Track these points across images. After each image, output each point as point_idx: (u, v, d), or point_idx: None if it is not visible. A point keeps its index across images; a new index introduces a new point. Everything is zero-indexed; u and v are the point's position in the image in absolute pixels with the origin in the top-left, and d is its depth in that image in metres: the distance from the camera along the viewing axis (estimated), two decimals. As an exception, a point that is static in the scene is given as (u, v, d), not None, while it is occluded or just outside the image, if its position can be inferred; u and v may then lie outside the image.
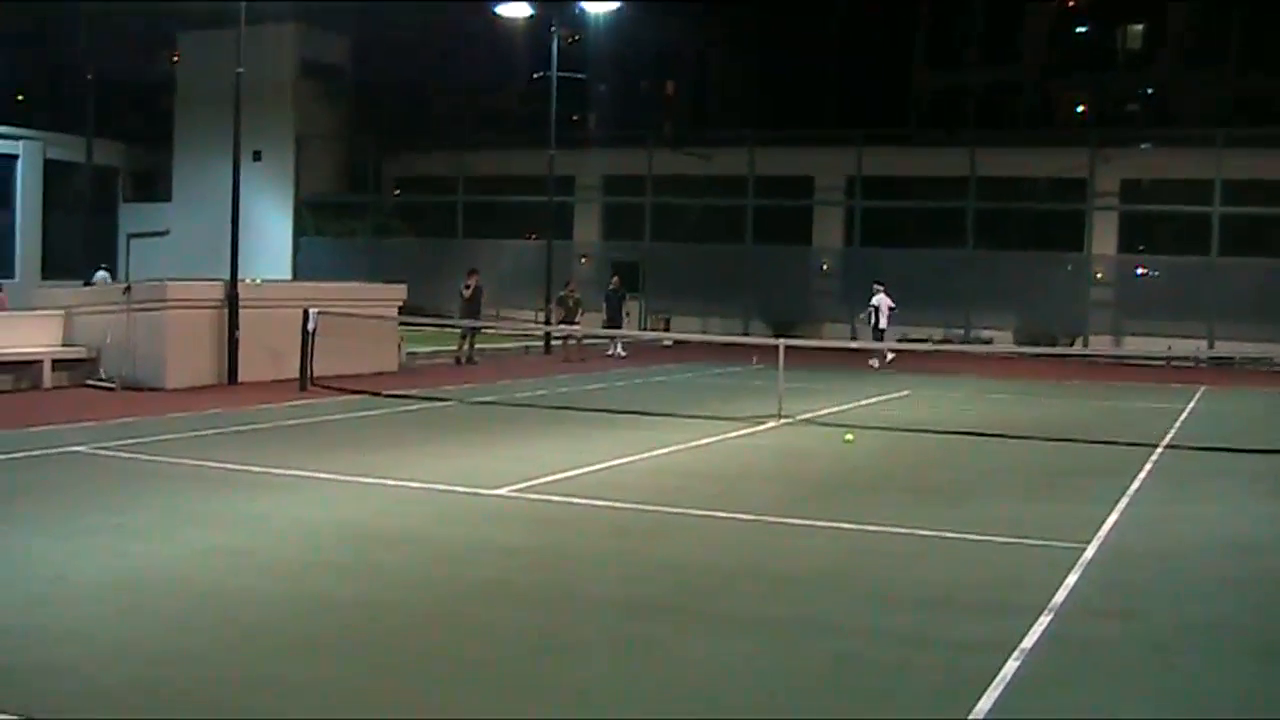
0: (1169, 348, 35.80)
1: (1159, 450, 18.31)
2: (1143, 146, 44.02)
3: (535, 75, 41.18)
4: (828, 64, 52.61)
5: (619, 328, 35.51)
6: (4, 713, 6.61)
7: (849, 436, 18.63)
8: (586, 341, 35.71)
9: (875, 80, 52.05)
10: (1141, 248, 43.22)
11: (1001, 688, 7.40)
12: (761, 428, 19.99)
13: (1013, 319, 41.70)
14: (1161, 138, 44.02)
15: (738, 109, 52.55)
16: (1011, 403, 25.66)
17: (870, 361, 33.43)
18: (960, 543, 11.64)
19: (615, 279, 37.77)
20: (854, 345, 34.23)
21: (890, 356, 33.36)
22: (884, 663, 8.03)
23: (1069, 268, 42.86)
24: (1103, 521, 12.56)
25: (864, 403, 24.14)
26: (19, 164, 50.92)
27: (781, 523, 12.34)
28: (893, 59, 53.15)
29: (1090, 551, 11.17)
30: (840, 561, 10.97)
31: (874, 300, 34.44)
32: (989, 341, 39.88)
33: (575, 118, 52.37)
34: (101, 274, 37.08)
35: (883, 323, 34.40)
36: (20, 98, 54.03)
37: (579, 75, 43.53)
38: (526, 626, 8.73)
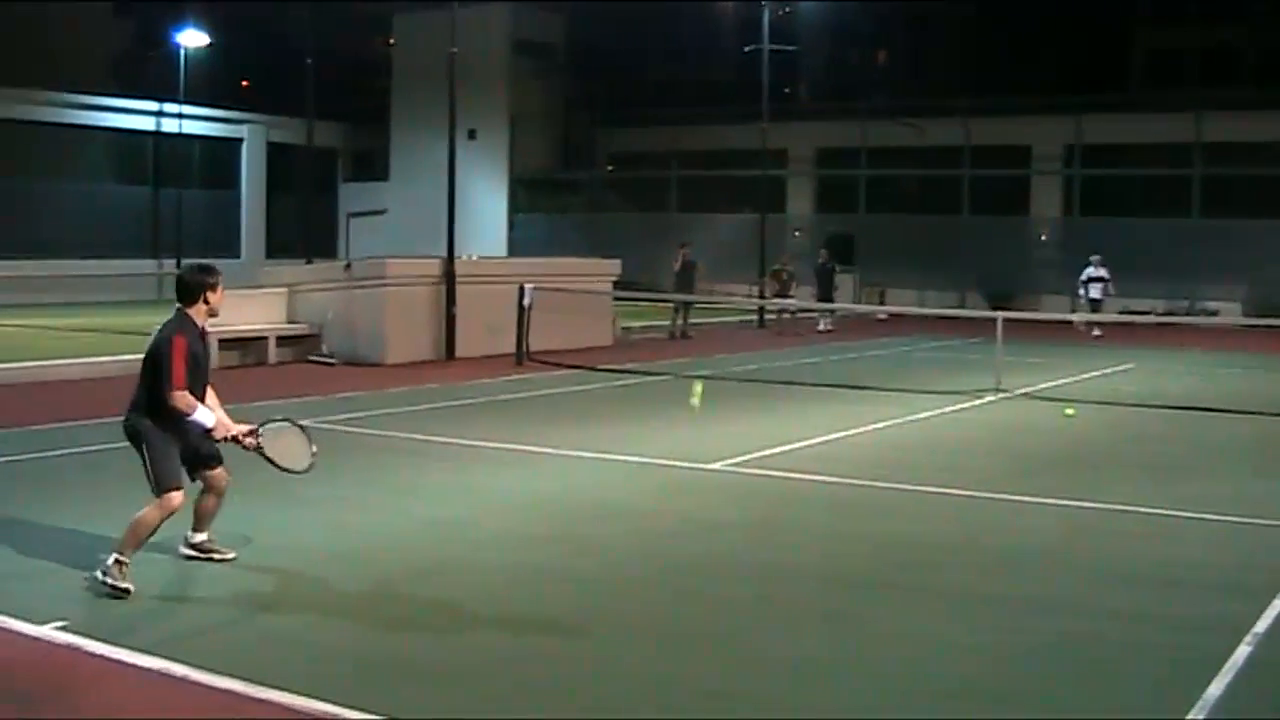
0: None
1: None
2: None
3: (746, 49, 40.93)
4: (1043, 26, 51.32)
5: (829, 301, 35.22)
6: (231, 676, 6.79)
7: (1070, 411, 18.23)
8: (800, 316, 35.50)
9: (1092, 41, 50.63)
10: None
11: (1233, 673, 7.14)
12: (979, 402, 19.66)
13: (1241, 290, 40.33)
14: None
15: (952, 77, 51.65)
16: (1239, 377, 24.83)
17: (1094, 332, 32.85)
18: (1187, 521, 11.30)
19: (824, 252, 37.47)
20: (1074, 318, 33.38)
21: (1096, 331, 32.96)
22: (1110, 642, 7.81)
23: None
24: (1341, 500, 12.09)
25: (1084, 377, 23.59)
26: (243, 147, 52.38)
27: (1002, 499, 12.11)
28: (1110, 17, 51.58)
29: (1327, 531, 10.76)
30: (1062, 538, 10.72)
31: (1086, 272, 34.20)
32: (1215, 314, 38.65)
33: (787, 90, 51.99)
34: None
35: (1094, 293, 34.09)
36: (244, 83, 55.50)
37: (790, 48, 43.16)
38: (743, 600, 8.71)
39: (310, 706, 6.45)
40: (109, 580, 8.22)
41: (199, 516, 9.19)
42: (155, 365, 8.54)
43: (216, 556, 9.17)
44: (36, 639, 7.43)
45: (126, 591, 8.21)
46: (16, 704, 6.60)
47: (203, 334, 8.87)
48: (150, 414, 8.62)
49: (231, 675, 6.82)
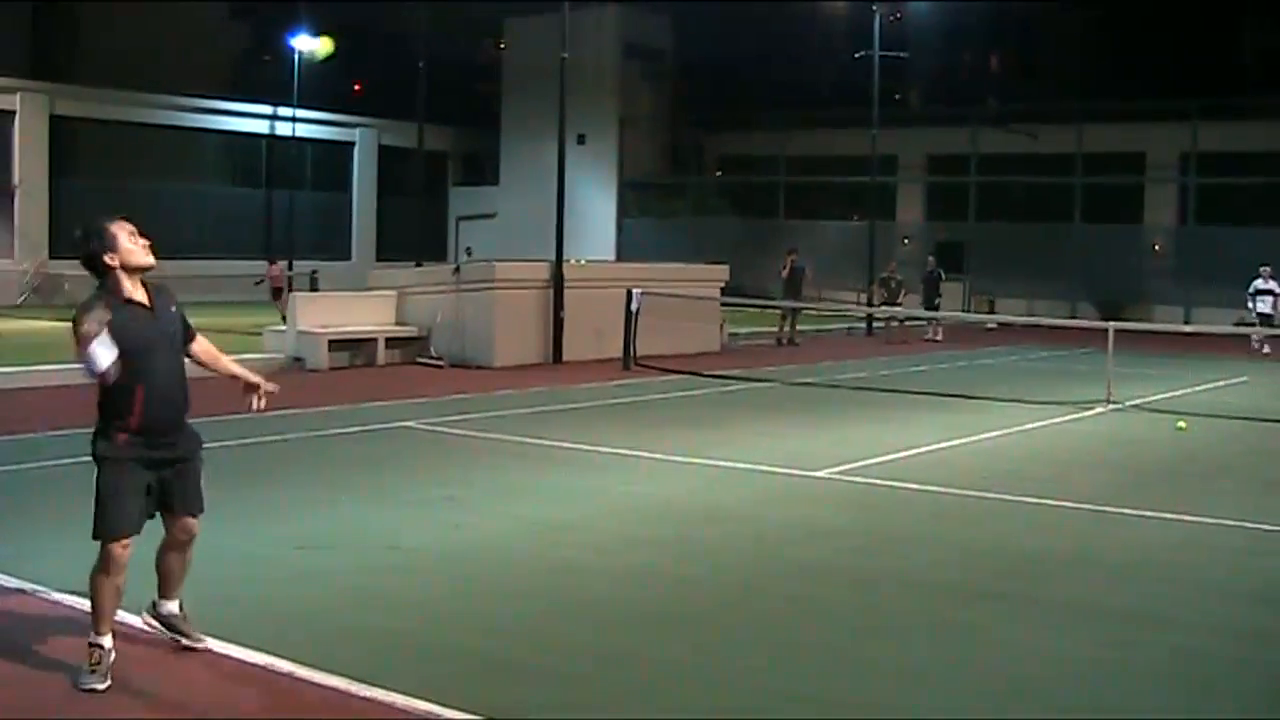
0: None
1: None
2: None
3: (856, 55, 40.81)
4: (1157, 29, 50.58)
5: (933, 309, 35.01)
6: (336, 673, 6.88)
7: (1181, 424, 17.99)
8: (909, 324, 35.32)
9: (1207, 45, 49.78)
10: None
11: (1349, 691, 7.04)
12: (1089, 413, 19.45)
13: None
14: None
15: (1064, 82, 51.09)
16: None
17: (1264, 349, 31.77)
18: (1302, 537, 11.12)
19: (931, 259, 37.25)
20: (1187, 329, 32.85)
21: (1267, 348, 31.73)
22: (1222, 658, 7.73)
23: None
24: None
25: (1198, 388, 23.26)
26: (355, 150, 53.04)
27: (1112, 511, 11.97)
28: (1224, 20, 50.67)
29: None
30: (1174, 553, 10.59)
31: (1254, 284, 33.28)
32: (1269, 319, 37.92)
33: (898, 96, 51.76)
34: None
35: (1264, 307, 32.97)
36: (357, 87, 56.15)
37: (901, 55, 43.02)
38: (849, 608, 8.70)
39: (414, 705, 6.50)
40: (80, 682, 6.68)
41: (164, 580, 7.28)
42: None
43: (185, 641, 7.27)
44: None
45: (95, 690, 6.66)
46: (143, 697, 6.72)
47: (141, 302, 6.84)
48: (100, 430, 6.85)
49: (336, 672, 6.90)
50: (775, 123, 51.39)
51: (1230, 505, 12.39)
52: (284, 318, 26.31)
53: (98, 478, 6.79)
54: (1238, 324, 34.42)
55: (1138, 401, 20.61)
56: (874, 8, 38.16)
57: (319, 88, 48.21)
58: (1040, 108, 47.13)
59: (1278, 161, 42.54)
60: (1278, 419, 19.26)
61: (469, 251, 38.52)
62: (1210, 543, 11.00)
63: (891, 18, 41.36)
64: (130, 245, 6.81)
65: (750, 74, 54.82)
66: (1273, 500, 12.87)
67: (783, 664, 7.48)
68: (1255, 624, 8.51)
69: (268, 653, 7.19)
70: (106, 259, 6.75)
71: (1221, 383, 24.54)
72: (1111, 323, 23.35)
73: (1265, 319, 32.70)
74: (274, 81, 47.53)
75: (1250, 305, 33.54)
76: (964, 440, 16.32)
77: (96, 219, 6.84)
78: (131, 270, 6.82)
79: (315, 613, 8.18)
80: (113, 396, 6.72)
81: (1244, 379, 25.39)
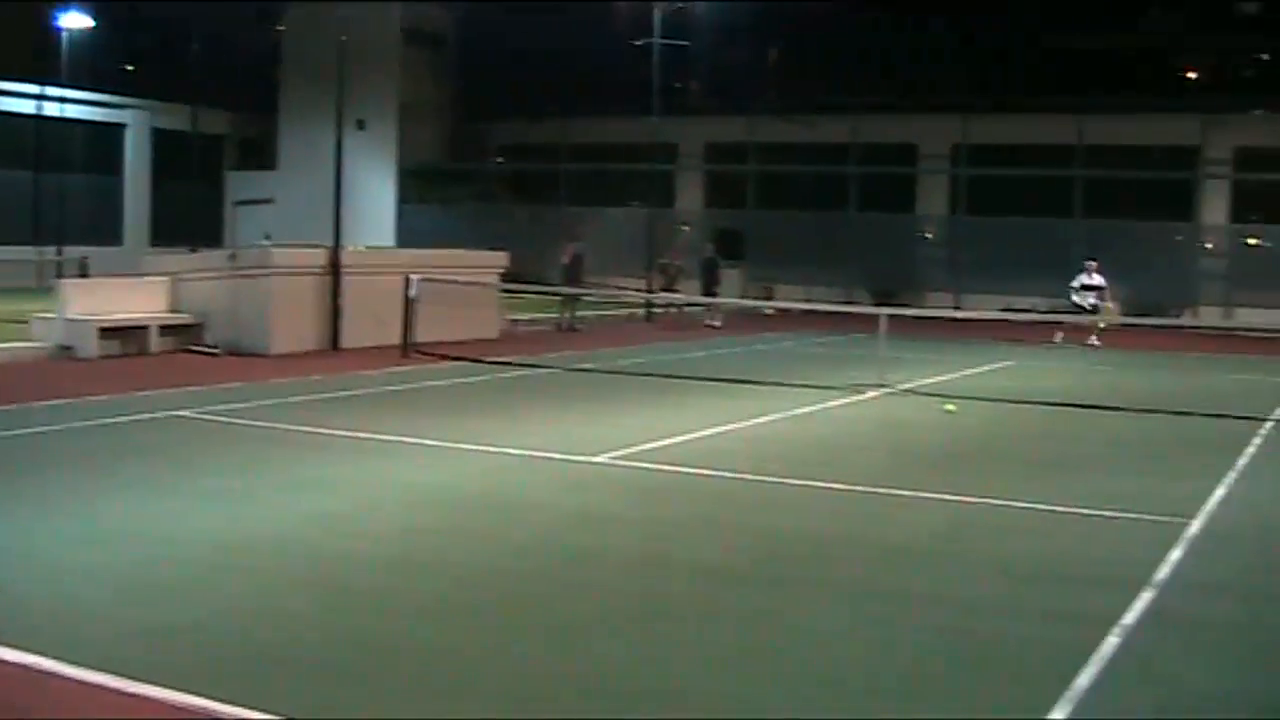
0: (1283, 319, 35.12)
1: (1269, 424, 17.97)
2: (1256, 113, 43.13)
3: (637, 43, 40.99)
4: (933, 26, 51.75)
5: (712, 295, 35.39)
6: (109, 672, 6.73)
7: (950, 407, 18.48)
8: (687, 309, 35.64)
9: (981, 42, 51.10)
10: (1254, 218, 42.35)
11: (1102, 663, 7.32)
12: (862, 397, 19.87)
13: (1119, 290, 41.02)
14: (1277, 105, 43.08)
15: (841, 75, 51.97)
16: (1117, 374, 25.29)
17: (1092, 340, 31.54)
18: (1063, 516, 11.50)
19: (709, 246, 37.67)
20: (957, 315, 33.68)
21: (1094, 339, 31.52)
22: (983, 634, 7.98)
23: (1178, 238, 42.16)
24: (1209, 496, 12.36)
25: (967, 373, 23.93)
26: (127, 133, 51.67)
27: (882, 493, 12.25)
28: (1000, 19, 52.04)
29: (1195, 527, 11.00)
30: (941, 533, 10.88)
31: (1079, 279, 32.76)
32: (1094, 311, 39.27)
33: (678, 85, 52.08)
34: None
35: (1092, 302, 32.20)
36: (129, 68, 54.69)
37: (681, 43, 43.30)
38: (627, 593, 8.76)
39: (196, 704, 6.39)
40: None
41: None
42: None
43: None
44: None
45: None
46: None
47: None
48: None
49: (114, 673, 6.74)
50: (557, 110, 51.39)
51: (995, 485, 12.79)
52: None
53: None
54: (1005, 309, 35.42)
55: (909, 385, 21.12)
56: (654, -2, 38.37)
57: (89, 68, 46.83)
58: (818, 99, 47.87)
59: (1045, 153, 43.91)
60: (1040, 401, 19.94)
61: (268, 237, 37.81)
62: (977, 522, 11.34)
63: (673, 7, 41.57)
64: None
65: (533, 62, 54.72)
66: (1035, 481, 13.28)
67: (564, 650, 7.51)
68: (1013, 601, 8.77)
69: (34, 652, 6.99)
70: None
71: (988, 367, 25.28)
72: (884, 309, 23.88)
73: (1083, 311, 32.06)
74: (41, 60, 46.04)
75: (1076, 300, 32.64)
76: (740, 425, 16.55)
77: None
78: None
79: (85, 609, 7.96)
80: None
81: (1010, 363, 26.19)
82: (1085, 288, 32.64)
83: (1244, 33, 48.82)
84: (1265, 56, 50.08)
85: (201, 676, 6.74)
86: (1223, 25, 48.66)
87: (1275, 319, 35.28)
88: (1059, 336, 31.91)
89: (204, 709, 6.34)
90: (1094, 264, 33.16)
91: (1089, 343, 31.53)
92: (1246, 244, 42.02)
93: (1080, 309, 32.20)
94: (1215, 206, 42.03)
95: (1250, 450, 15.50)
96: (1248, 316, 38.26)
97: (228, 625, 7.77)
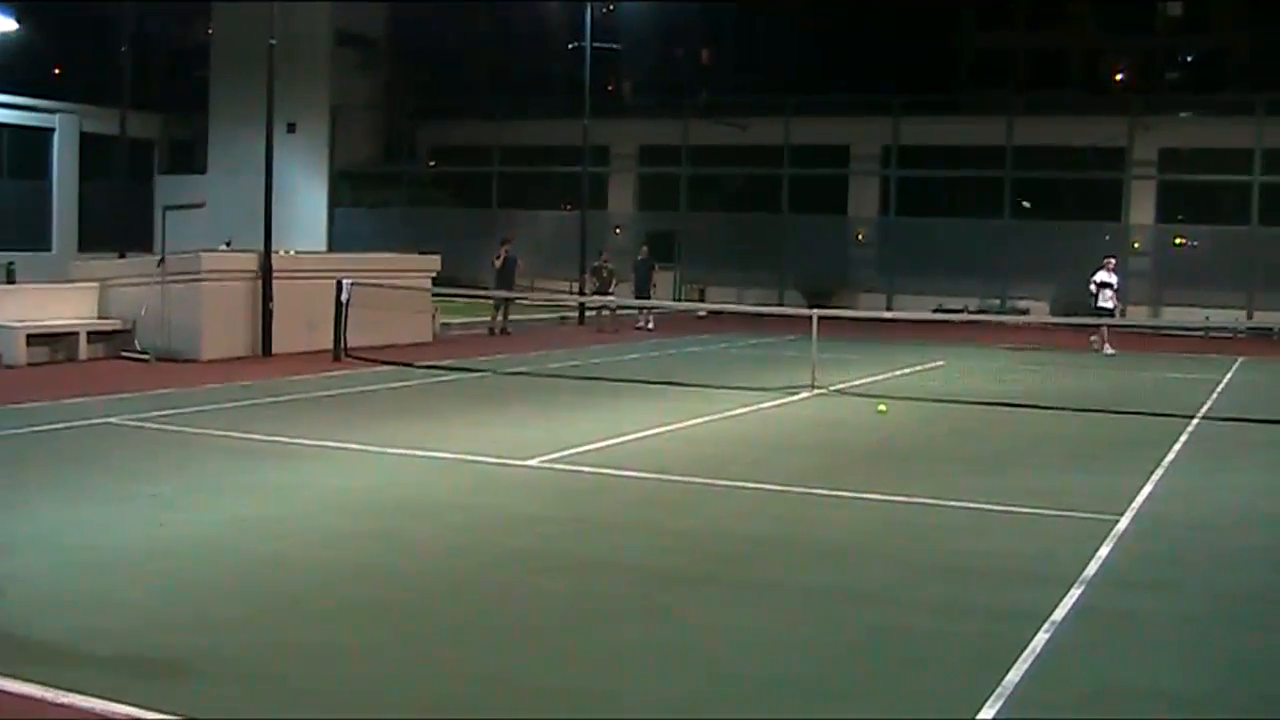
0: (1206, 318, 35.50)
1: (1195, 421, 18.20)
2: (1182, 115, 43.65)
3: (570, 45, 40.99)
4: (865, 28, 52.12)
5: (647, 297, 35.42)
6: (30, 681, 6.64)
7: (882, 407, 18.57)
8: (621, 312, 35.66)
9: (913, 44, 51.54)
10: (1180, 217, 42.82)
11: (1031, 659, 7.38)
12: (795, 398, 19.94)
13: (1049, 289, 41.44)
14: (1202, 106, 43.65)
15: (774, 77, 52.20)
16: (1047, 374, 25.53)
17: (1105, 349, 30.33)
18: (993, 514, 11.59)
19: (644, 248, 37.73)
20: (889, 315, 33.86)
21: (1108, 349, 30.33)
22: (915, 633, 8.02)
23: (1106, 238, 42.46)
24: (1137, 493, 12.51)
25: (898, 373, 24.07)
26: (55, 137, 51.12)
27: (814, 493, 12.30)
28: (932, 21, 52.52)
29: (1124, 523, 11.12)
30: (872, 532, 10.94)
31: (1098, 275, 31.03)
32: (1025, 312, 39.64)
33: (611, 87, 52.20)
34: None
35: (1105, 302, 30.70)
36: (57, 71, 54.15)
37: (613, 46, 43.36)
38: (560, 595, 8.74)
39: (111, 710, 6.32)
40: None
41: None
42: None
43: None
44: None
45: None
46: None
47: None
48: None
49: (27, 679, 6.66)
50: (489, 113, 51.35)
51: (926, 484, 12.86)
52: None
53: None
54: (937, 310, 35.66)
55: (841, 386, 21.21)
56: (586, 0, 38.33)
57: (14, 71, 46.32)
58: (750, 100, 48.05)
59: (975, 155, 44.21)
60: (971, 400, 20.07)
61: (228, 244, 37.48)
62: (909, 520, 11.40)
63: (605, 9, 41.62)
64: None
65: (465, 64, 54.68)
66: (966, 479, 13.38)
67: (493, 651, 7.50)
68: (944, 599, 8.83)
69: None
70: None
71: (920, 367, 25.42)
72: (816, 310, 23.98)
73: (1106, 314, 30.74)
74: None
75: (1092, 299, 31.03)
76: (673, 427, 16.56)
77: None
78: None
79: (4, 618, 7.86)
80: None
81: (941, 363, 26.33)
82: (1104, 285, 30.79)
83: (1169, 35, 49.48)
84: (1190, 58, 50.76)
85: (121, 684, 6.67)
86: (1148, 28, 49.33)
87: (1204, 318, 35.64)
88: (1104, 346, 30.44)
89: (123, 716, 6.27)
90: (1113, 260, 31.82)
91: (1105, 351, 30.26)
92: (1174, 244, 42.48)
93: (1102, 310, 30.64)
94: (1143, 207, 42.45)
95: (1177, 447, 15.69)
96: (1174, 315, 38.70)
97: (149, 631, 7.69)
